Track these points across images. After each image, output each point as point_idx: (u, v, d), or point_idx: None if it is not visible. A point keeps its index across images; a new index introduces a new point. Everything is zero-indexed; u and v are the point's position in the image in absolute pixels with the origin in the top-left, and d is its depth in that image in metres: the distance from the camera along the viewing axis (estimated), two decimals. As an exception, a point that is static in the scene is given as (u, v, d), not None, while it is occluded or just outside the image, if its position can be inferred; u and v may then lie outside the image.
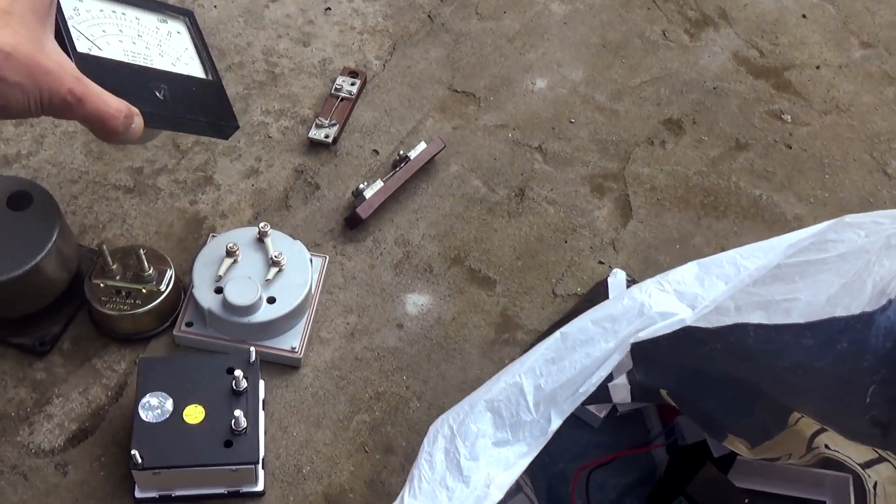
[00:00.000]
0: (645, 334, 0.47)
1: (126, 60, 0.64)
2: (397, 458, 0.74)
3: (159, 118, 0.64)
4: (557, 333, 0.50)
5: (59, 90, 0.54)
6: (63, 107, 0.55)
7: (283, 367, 0.78)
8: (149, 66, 0.66)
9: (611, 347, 0.48)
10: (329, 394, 0.77)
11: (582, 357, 0.47)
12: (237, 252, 0.78)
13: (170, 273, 0.77)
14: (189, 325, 0.77)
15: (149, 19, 0.69)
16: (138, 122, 0.60)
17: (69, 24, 0.60)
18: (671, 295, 0.50)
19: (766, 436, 0.66)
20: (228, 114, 0.70)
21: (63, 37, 0.59)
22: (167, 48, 0.68)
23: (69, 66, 0.56)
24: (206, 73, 0.71)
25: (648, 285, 0.51)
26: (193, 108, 0.67)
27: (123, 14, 0.67)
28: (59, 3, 0.58)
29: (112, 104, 0.57)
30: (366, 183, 0.87)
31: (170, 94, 0.65)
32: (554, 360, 0.48)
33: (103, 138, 0.60)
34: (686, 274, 0.52)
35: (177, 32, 0.71)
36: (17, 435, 0.72)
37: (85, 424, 0.73)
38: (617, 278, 0.85)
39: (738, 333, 0.50)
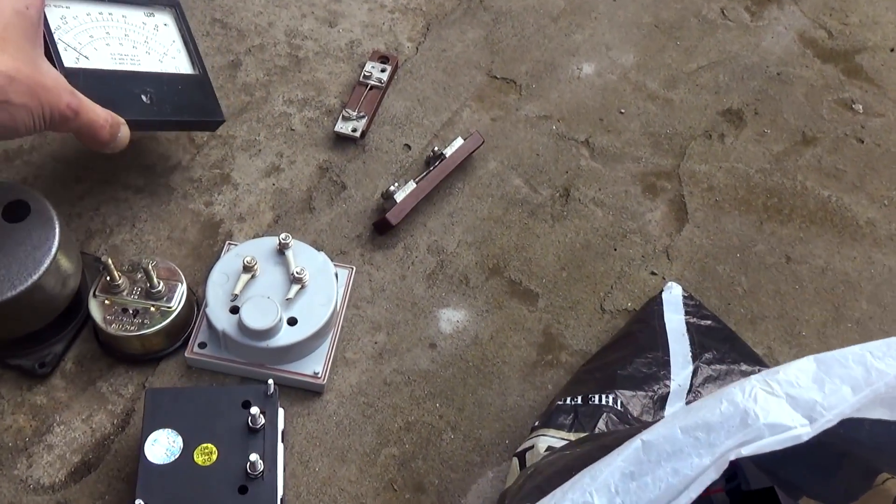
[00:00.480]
0: (749, 450, 0.39)
1: (112, 67, 0.66)
2: (428, 499, 0.67)
3: (145, 123, 0.68)
4: (638, 441, 0.42)
5: (58, 105, 0.58)
6: (62, 120, 0.59)
7: (304, 392, 0.71)
8: (136, 69, 0.68)
9: (704, 464, 0.39)
10: (355, 423, 0.70)
11: (668, 473, 0.39)
12: (255, 267, 0.70)
13: (181, 289, 0.70)
14: (202, 346, 0.70)
15: (135, 15, 0.71)
16: (124, 130, 0.65)
17: (55, 37, 0.62)
18: (782, 400, 0.41)
19: (850, 497, 0.58)
20: (214, 108, 0.73)
21: (51, 52, 0.61)
22: (154, 44, 0.70)
23: (62, 81, 0.58)
24: (193, 67, 0.73)
25: (753, 386, 0.43)
26: (180, 107, 0.69)
27: (110, 14, 0.68)
28: (45, 18, 0.61)
29: (101, 114, 0.62)
30: (396, 184, 0.79)
31: (156, 96, 0.68)
32: (633, 476, 0.40)
33: (93, 147, 0.64)
34: (801, 373, 0.43)
35: (164, 25, 0.72)
36: (15, 468, 0.66)
37: (88, 457, 0.67)
38: (672, 294, 0.77)
39: (849, 426, 0.42)
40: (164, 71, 0.70)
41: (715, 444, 0.39)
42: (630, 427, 0.58)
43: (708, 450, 0.39)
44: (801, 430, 0.40)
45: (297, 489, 0.67)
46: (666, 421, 0.42)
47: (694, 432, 0.40)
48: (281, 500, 0.64)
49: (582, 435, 0.62)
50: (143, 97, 0.67)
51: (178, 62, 0.72)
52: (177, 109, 0.69)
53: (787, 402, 0.41)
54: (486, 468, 0.69)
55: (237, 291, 0.69)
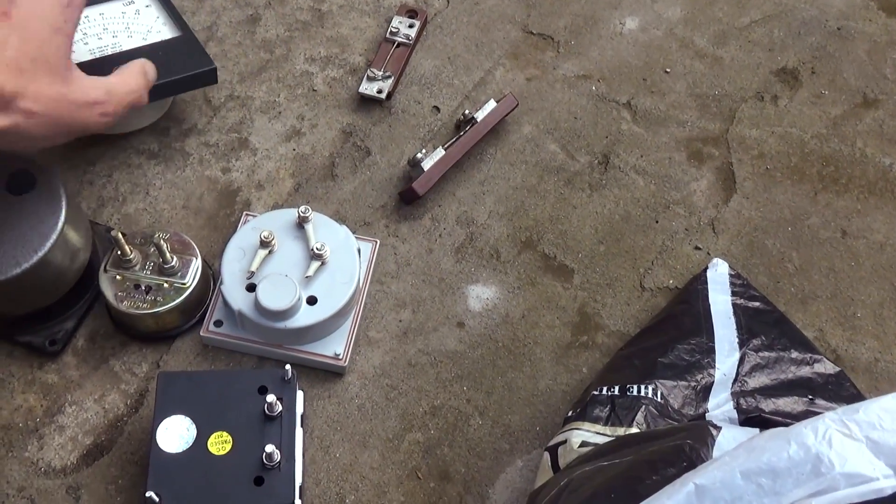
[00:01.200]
0: (821, 503, 0.34)
1: (91, 58, 0.68)
2: (454, 488, 0.64)
3: None
4: (691, 485, 0.38)
5: (91, 118, 0.56)
6: (99, 126, 0.57)
7: (325, 373, 0.68)
8: (116, 52, 0.69)
9: (769, 515, 0.34)
10: (378, 407, 0.67)
11: (726, 526, 0.34)
12: (273, 242, 0.66)
13: (196, 264, 0.67)
14: (218, 324, 0.67)
15: (113, 8, 0.73)
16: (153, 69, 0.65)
17: None
18: (862, 445, 0.36)
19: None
20: (200, 59, 0.72)
21: None
22: (136, 27, 0.72)
23: (91, 87, 0.56)
24: (174, 30, 0.74)
25: (827, 427, 0.38)
26: (164, 71, 0.68)
27: (85, 17, 0.70)
28: None
29: (133, 86, 0.61)
30: (424, 151, 0.75)
31: None
32: (685, 529, 0.35)
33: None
34: (886, 413, 0.38)
35: (145, 7, 0.74)
36: (26, 450, 0.64)
37: (101, 439, 0.64)
38: (718, 271, 0.72)
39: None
40: (144, 44, 0.72)
41: (781, 492, 0.35)
42: (673, 427, 0.54)
43: (773, 499, 0.35)
44: (885, 483, 0.35)
45: (317, 476, 0.64)
46: (723, 462, 0.38)
47: (757, 478, 0.36)
48: (300, 488, 0.61)
49: (619, 430, 0.58)
50: None
51: (162, 34, 0.73)
52: (163, 74, 0.68)
53: (867, 448, 0.36)
54: (515, 456, 0.66)
55: (254, 269, 0.65)
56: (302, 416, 0.64)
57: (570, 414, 0.62)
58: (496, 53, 0.86)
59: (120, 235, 0.64)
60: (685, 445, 0.43)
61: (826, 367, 0.65)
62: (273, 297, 0.63)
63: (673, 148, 0.82)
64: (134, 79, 0.60)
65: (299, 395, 0.65)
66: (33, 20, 0.51)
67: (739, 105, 0.85)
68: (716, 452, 0.44)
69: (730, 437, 0.46)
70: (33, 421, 0.65)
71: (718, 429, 0.47)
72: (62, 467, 0.63)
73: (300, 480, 0.62)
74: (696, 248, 0.76)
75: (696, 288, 0.71)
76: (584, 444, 0.57)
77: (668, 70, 0.87)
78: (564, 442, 0.58)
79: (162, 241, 0.65)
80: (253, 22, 0.86)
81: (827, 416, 0.38)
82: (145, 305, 0.65)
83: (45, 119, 0.52)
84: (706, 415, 0.60)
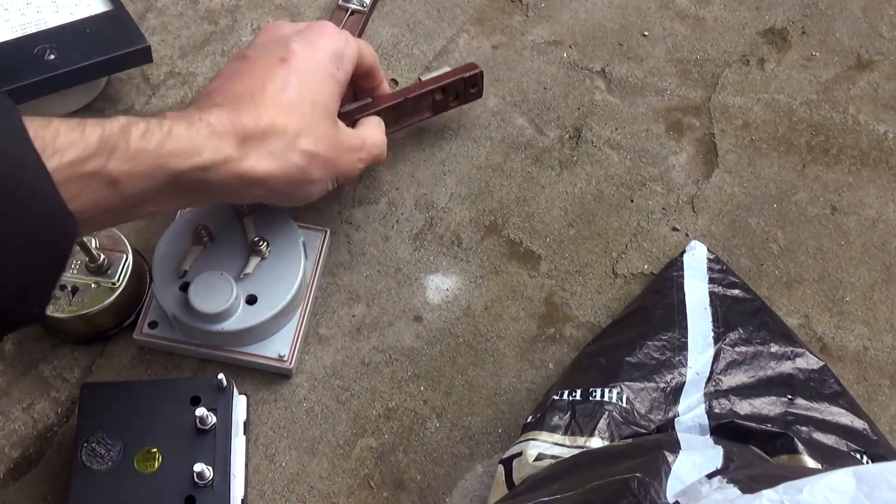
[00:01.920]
0: None
1: (14, 37, 0.63)
2: (409, 497, 0.60)
3: (55, 80, 0.63)
4: None
5: (353, 168, 0.59)
6: (351, 178, 0.61)
7: (271, 374, 0.63)
8: (35, 31, 0.64)
9: None
10: (327, 410, 0.62)
11: None
12: (208, 236, 0.61)
13: (126, 260, 0.62)
14: (153, 325, 0.62)
15: None
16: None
17: None
18: None
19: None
20: (132, 37, 0.67)
21: None
22: (63, 0, 0.67)
23: (354, 137, 0.59)
24: (108, 3, 0.68)
25: None
26: (91, 50, 0.64)
27: None
28: None
29: (380, 145, 0.63)
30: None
31: (60, 49, 0.64)
32: None
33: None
34: (832, 493, 0.32)
35: None
36: (-51, 465, 0.60)
37: (29, 451, 0.60)
38: (695, 255, 0.66)
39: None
40: (70, 20, 0.66)
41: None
42: (630, 445, 0.49)
43: None
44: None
45: (262, 487, 0.60)
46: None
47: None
48: (242, 501, 0.57)
49: (579, 440, 0.53)
50: (48, 55, 0.63)
51: (92, 7, 0.67)
52: (87, 54, 0.64)
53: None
54: (474, 461, 0.61)
55: (186, 267, 0.60)
56: (245, 423, 0.60)
57: (529, 419, 0.57)
58: (459, 19, 0.80)
59: (41, 233, 0.59)
60: (633, 481, 0.38)
61: (809, 361, 0.60)
62: (206, 298, 0.58)
63: (650, 119, 0.76)
64: (379, 132, 0.62)
65: (241, 400, 0.60)
66: (310, 66, 0.54)
67: (723, 70, 0.79)
68: (670, 485, 0.39)
69: (688, 464, 0.41)
70: (-43, 433, 0.61)
71: (676, 453, 0.42)
72: (-13, 483, 0.59)
73: (242, 494, 0.58)
74: (674, 228, 0.71)
75: (671, 275, 0.65)
76: (540, 456, 0.53)
77: (645, 33, 0.80)
78: (520, 454, 0.53)
79: (86, 239, 0.60)
80: (196, -10, 0.79)
81: (765, 495, 0.33)
82: (72, 308, 0.60)
83: (323, 162, 0.54)
84: (675, 419, 0.55)
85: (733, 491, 0.35)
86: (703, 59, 0.79)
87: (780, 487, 0.33)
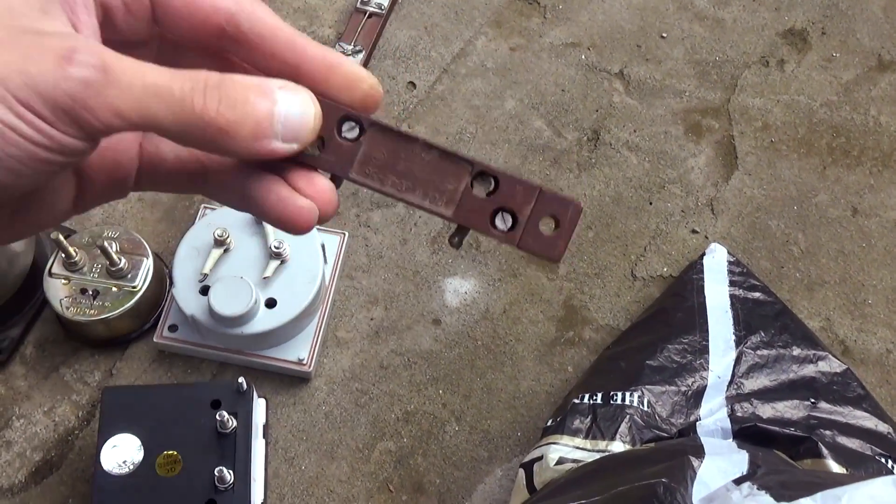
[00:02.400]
0: None
1: None
2: (429, 501, 0.60)
3: None
4: None
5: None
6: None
7: (290, 377, 0.63)
8: None
9: None
10: (346, 414, 0.62)
11: None
12: (228, 240, 0.61)
13: (147, 264, 0.62)
14: (173, 328, 0.62)
15: None
16: None
17: None
18: None
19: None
20: None
21: None
22: None
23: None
24: None
25: None
26: None
27: None
28: None
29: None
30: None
31: None
32: None
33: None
34: (871, 501, 0.32)
35: None
36: (-29, 468, 0.60)
37: (50, 455, 0.60)
38: (715, 258, 0.66)
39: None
40: None
41: None
42: (653, 449, 0.48)
43: None
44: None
45: (281, 490, 0.60)
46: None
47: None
48: (261, 505, 0.57)
49: (600, 444, 0.53)
50: None
51: None
52: None
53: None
54: (494, 465, 0.61)
55: (206, 270, 0.60)
56: (264, 427, 0.60)
57: (549, 423, 0.57)
58: (477, 21, 0.80)
59: (61, 237, 0.59)
60: (658, 486, 0.38)
61: (831, 364, 0.59)
62: (226, 301, 0.58)
63: (669, 121, 0.75)
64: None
65: (261, 403, 0.60)
66: None
67: (742, 72, 0.78)
68: (696, 490, 0.39)
69: (714, 469, 0.41)
70: (-21, 436, 0.61)
71: (701, 458, 0.42)
72: (9, 486, 0.59)
73: (261, 498, 0.58)
74: (694, 231, 0.70)
75: (691, 278, 0.65)
76: (561, 460, 0.52)
77: (664, 35, 0.80)
78: (541, 458, 0.53)
79: (107, 242, 0.60)
80: (214, -6, 0.80)
81: None
82: (93, 311, 0.60)
83: None
84: (697, 423, 0.55)
85: (766, 499, 0.34)
86: (722, 60, 0.79)
87: (818, 496, 0.33)
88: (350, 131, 0.25)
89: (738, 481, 0.39)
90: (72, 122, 0.21)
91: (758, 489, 0.36)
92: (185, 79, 0.22)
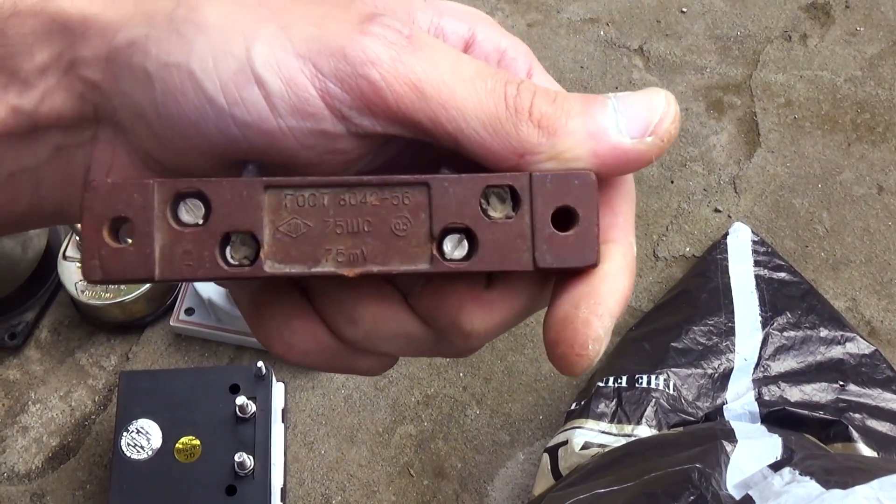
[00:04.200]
0: None
1: None
2: (450, 485, 0.59)
3: None
4: None
5: None
6: None
7: (308, 361, 0.62)
8: None
9: None
10: (366, 398, 0.62)
11: None
12: (244, 221, 0.60)
13: (162, 247, 0.61)
14: (189, 312, 0.61)
15: None
16: None
17: None
18: None
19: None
20: None
21: None
22: None
23: None
24: None
25: None
26: None
27: None
28: None
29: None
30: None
31: None
32: None
33: None
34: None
35: None
36: (-12, 453, 0.59)
37: (67, 440, 0.60)
38: (739, 238, 0.65)
39: None
40: None
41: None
42: (682, 433, 0.48)
43: None
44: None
45: (301, 475, 0.59)
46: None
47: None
48: (281, 490, 0.57)
49: (626, 428, 0.52)
50: None
51: None
52: None
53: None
54: (515, 449, 0.60)
55: (223, 253, 0.59)
56: (283, 411, 0.59)
57: (573, 407, 0.56)
58: (493, -3, 0.78)
59: (76, 220, 0.58)
60: (693, 472, 0.37)
61: (859, 345, 0.58)
62: (244, 284, 0.57)
63: (690, 98, 0.74)
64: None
65: (279, 387, 0.59)
66: None
67: (764, 46, 0.76)
68: (730, 475, 0.38)
69: (747, 454, 0.40)
70: (-5, 422, 0.60)
71: (734, 443, 0.41)
72: (26, 472, 0.59)
73: (281, 482, 0.57)
74: (716, 210, 0.69)
75: (715, 258, 0.64)
76: (586, 445, 0.51)
77: (684, 9, 0.78)
78: (565, 443, 0.52)
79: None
80: None
81: (859, 492, 0.32)
82: (108, 295, 0.59)
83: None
84: (724, 407, 0.54)
85: (812, 484, 0.33)
86: (743, 35, 0.77)
87: (875, 483, 0.32)
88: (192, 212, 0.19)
89: (775, 466, 0.38)
90: (357, 95, 0.19)
91: (800, 474, 0.35)
92: (497, 74, 0.20)
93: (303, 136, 0.19)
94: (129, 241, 0.18)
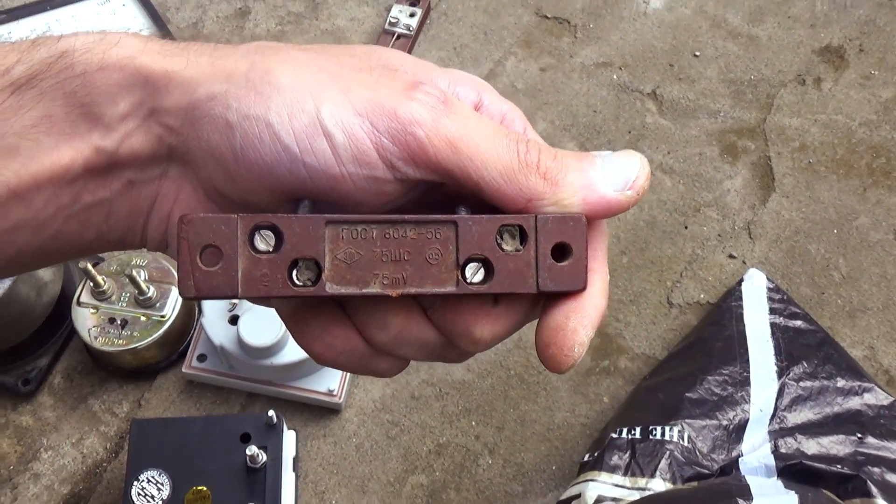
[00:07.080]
0: None
1: None
2: (462, 536, 0.58)
3: None
4: None
5: None
6: None
7: (320, 409, 0.62)
8: None
9: None
10: (377, 446, 0.61)
11: None
12: (257, 268, 0.60)
13: (175, 293, 0.61)
14: (202, 358, 0.62)
15: (87, 7, 0.68)
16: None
17: None
18: None
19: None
20: None
21: None
22: (111, 28, 0.66)
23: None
24: (154, 31, 0.70)
25: None
26: None
27: (57, 20, 0.66)
28: None
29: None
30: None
31: None
32: None
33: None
34: None
35: (122, 6, 0.70)
36: (-1, 501, 0.59)
37: (78, 487, 0.60)
38: (754, 284, 0.64)
39: None
40: None
41: None
42: (697, 489, 0.47)
43: None
44: None
45: (311, 525, 0.59)
46: None
47: None
48: (291, 540, 0.56)
49: (640, 481, 0.51)
50: None
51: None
52: None
53: None
54: (528, 500, 0.60)
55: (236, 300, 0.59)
56: (294, 460, 0.59)
57: (586, 458, 0.56)
58: (507, 41, 0.78)
59: (90, 267, 0.59)
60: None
61: (877, 396, 0.57)
62: (256, 332, 0.57)
63: (704, 142, 0.74)
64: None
65: (290, 435, 0.59)
66: None
67: (778, 90, 0.76)
68: (746, 540, 0.37)
69: (764, 516, 0.39)
70: (6, 469, 0.60)
71: (749, 500, 0.40)
72: (37, 520, 0.59)
73: (292, 532, 0.56)
74: (731, 256, 0.69)
75: (730, 305, 0.63)
76: (600, 498, 0.51)
77: (697, 53, 0.78)
78: (578, 496, 0.52)
79: (135, 271, 0.59)
80: (242, 16, 0.79)
81: None
82: (121, 341, 0.60)
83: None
84: (740, 460, 0.53)
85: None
86: (757, 79, 0.77)
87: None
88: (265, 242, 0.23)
89: (792, 531, 0.37)
90: (405, 149, 0.23)
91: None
92: (510, 135, 0.25)
93: (358, 181, 0.23)
94: (218, 265, 0.22)
